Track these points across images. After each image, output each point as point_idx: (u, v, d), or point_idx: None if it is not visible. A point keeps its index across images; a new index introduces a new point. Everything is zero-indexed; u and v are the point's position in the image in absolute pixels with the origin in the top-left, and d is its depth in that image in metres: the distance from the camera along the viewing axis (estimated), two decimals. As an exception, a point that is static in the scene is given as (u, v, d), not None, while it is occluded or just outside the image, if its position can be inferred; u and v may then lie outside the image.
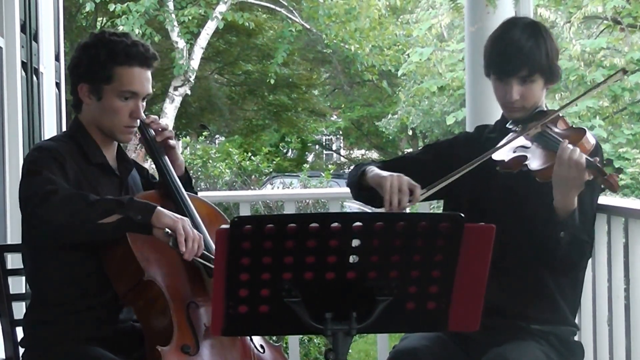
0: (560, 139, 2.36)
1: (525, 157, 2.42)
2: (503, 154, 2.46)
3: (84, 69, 2.46)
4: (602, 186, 2.29)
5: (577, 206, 2.36)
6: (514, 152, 2.44)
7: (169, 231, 2.23)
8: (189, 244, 2.24)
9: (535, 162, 2.39)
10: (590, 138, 2.39)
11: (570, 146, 2.30)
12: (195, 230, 2.28)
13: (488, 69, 2.58)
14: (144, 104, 2.50)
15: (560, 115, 2.48)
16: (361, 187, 2.62)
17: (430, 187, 2.46)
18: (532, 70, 2.49)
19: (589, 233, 2.49)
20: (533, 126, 2.45)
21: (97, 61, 2.43)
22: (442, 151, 2.71)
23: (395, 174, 2.47)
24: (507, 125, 2.56)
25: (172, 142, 2.61)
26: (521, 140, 2.46)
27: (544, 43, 2.50)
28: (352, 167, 2.80)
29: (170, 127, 2.68)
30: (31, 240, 2.46)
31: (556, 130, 2.45)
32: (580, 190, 2.33)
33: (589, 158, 2.28)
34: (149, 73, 2.48)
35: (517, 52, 2.49)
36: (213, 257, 2.29)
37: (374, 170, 2.57)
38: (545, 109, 2.55)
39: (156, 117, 2.62)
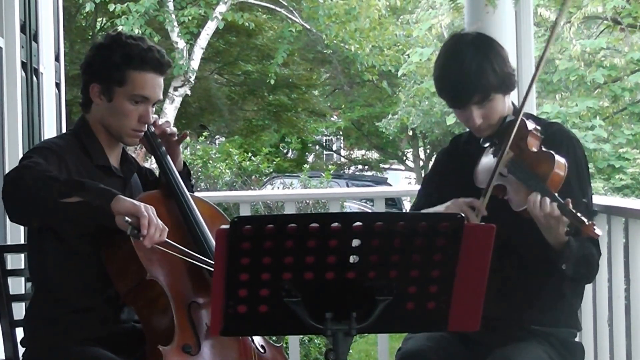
0: (533, 176, 2.30)
1: (504, 188, 2.39)
2: (485, 182, 2.43)
3: (97, 69, 2.46)
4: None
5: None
6: (494, 179, 2.40)
7: (129, 219, 2.15)
8: (152, 229, 2.16)
9: (514, 199, 2.36)
10: (561, 163, 2.32)
11: (538, 198, 2.25)
12: (159, 219, 2.20)
13: (443, 99, 2.55)
14: (153, 109, 2.51)
15: (530, 128, 2.40)
16: None
17: (484, 193, 2.41)
18: (486, 92, 2.43)
19: (594, 242, 2.43)
20: (504, 152, 2.38)
21: (111, 63, 2.43)
22: (434, 177, 2.70)
23: (448, 202, 2.44)
24: (481, 143, 2.52)
25: (176, 137, 2.61)
26: (497, 169, 2.40)
27: (488, 61, 2.43)
28: None
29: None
30: (35, 233, 2.46)
31: (525, 157, 2.37)
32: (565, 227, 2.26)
33: (562, 207, 2.21)
34: (161, 79, 2.48)
35: (465, 81, 2.42)
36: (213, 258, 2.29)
37: (429, 210, 2.53)
38: (511, 117, 2.48)
39: (156, 116, 2.62)
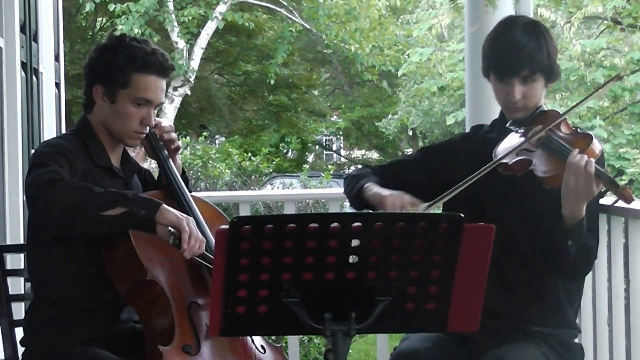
0: (569, 146, 2.33)
1: (530, 162, 2.39)
2: (506, 156, 2.44)
3: (100, 71, 2.46)
4: (616, 198, 2.25)
5: (585, 213, 2.33)
6: (517, 155, 2.41)
7: (172, 229, 2.22)
8: (192, 241, 2.23)
9: (541, 168, 2.37)
10: (597, 144, 2.37)
11: (580, 155, 2.28)
12: (198, 231, 2.28)
13: (488, 69, 2.55)
14: (155, 111, 2.51)
15: (566, 120, 2.45)
16: (361, 202, 2.60)
17: (433, 203, 2.43)
18: (534, 69, 2.47)
19: (596, 237, 2.46)
20: (538, 130, 2.42)
21: (115, 65, 2.43)
22: (441, 152, 2.70)
23: (396, 192, 2.46)
24: (507, 125, 2.54)
25: (178, 143, 2.63)
26: (525, 144, 2.43)
27: (544, 42, 2.48)
28: (348, 175, 2.75)
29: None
30: (35, 233, 2.46)
31: (561, 134, 2.42)
32: (590, 199, 2.30)
33: (599, 169, 2.25)
34: (164, 82, 2.49)
35: (519, 52, 2.46)
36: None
37: (373, 189, 2.55)
38: (545, 108, 2.53)
39: (160, 120, 2.63)
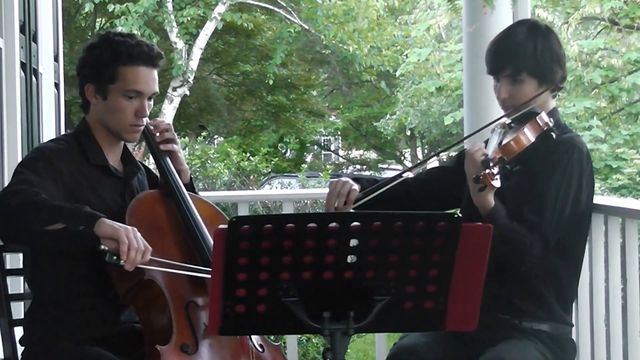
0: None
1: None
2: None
3: (89, 69, 2.48)
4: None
5: (502, 208, 2.36)
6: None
7: (104, 247, 2.17)
8: (132, 253, 2.17)
9: None
10: (525, 133, 2.37)
11: (480, 143, 2.38)
12: (141, 241, 2.21)
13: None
14: (151, 103, 2.51)
15: (538, 119, 2.42)
16: None
17: (367, 192, 2.58)
18: (518, 69, 2.47)
19: (541, 235, 2.40)
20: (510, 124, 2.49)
21: (101, 61, 2.45)
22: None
23: (343, 178, 2.62)
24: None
25: (176, 147, 2.60)
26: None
27: (533, 42, 2.49)
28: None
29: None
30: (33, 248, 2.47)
31: (511, 131, 2.46)
32: (482, 192, 2.29)
33: (487, 156, 2.27)
34: (154, 72, 2.49)
35: (503, 51, 2.51)
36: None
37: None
38: (538, 110, 2.49)
39: (162, 120, 2.64)
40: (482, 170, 2.24)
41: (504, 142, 2.38)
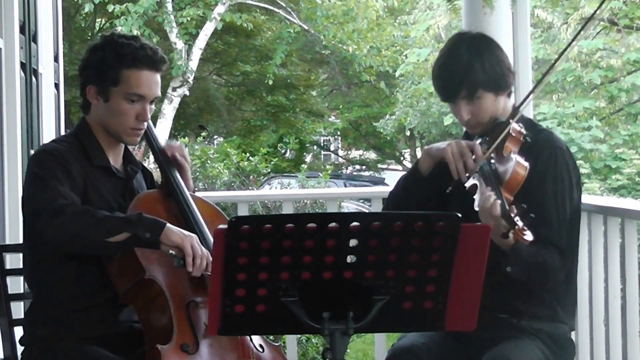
0: (489, 179, 2.32)
1: (476, 186, 2.38)
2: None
3: (92, 70, 2.47)
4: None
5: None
6: (472, 177, 2.42)
7: (173, 252, 2.27)
8: (197, 261, 2.28)
9: (477, 198, 2.34)
10: (521, 164, 2.32)
11: (489, 194, 2.24)
12: (202, 247, 2.31)
13: (437, 93, 2.58)
14: (152, 106, 2.51)
15: (512, 131, 2.40)
16: (417, 180, 2.58)
17: (491, 141, 2.42)
18: (473, 88, 2.46)
19: (559, 249, 2.41)
20: (488, 150, 2.40)
21: (104, 63, 2.44)
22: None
23: (453, 141, 2.48)
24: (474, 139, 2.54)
25: (183, 162, 2.60)
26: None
27: (479, 57, 2.46)
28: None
29: (169, 128, 2.68)
30: (33, 248, 2.48)
31: (498, 158, 2.39)
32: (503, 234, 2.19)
33: (503, 208, 2.18)
34: (157, 76, 2.48)
35: (452, 75, 2.48)
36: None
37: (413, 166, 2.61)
38: (502, 119, 2.48)
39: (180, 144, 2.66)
40: (508, 227, 2.16)
41: (503, 179, 2.31)
